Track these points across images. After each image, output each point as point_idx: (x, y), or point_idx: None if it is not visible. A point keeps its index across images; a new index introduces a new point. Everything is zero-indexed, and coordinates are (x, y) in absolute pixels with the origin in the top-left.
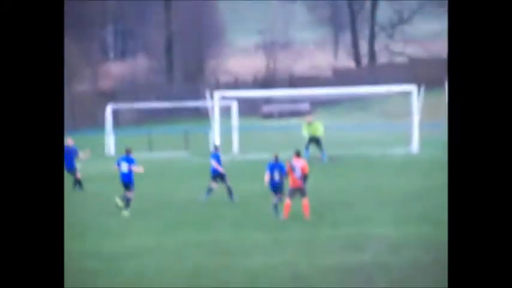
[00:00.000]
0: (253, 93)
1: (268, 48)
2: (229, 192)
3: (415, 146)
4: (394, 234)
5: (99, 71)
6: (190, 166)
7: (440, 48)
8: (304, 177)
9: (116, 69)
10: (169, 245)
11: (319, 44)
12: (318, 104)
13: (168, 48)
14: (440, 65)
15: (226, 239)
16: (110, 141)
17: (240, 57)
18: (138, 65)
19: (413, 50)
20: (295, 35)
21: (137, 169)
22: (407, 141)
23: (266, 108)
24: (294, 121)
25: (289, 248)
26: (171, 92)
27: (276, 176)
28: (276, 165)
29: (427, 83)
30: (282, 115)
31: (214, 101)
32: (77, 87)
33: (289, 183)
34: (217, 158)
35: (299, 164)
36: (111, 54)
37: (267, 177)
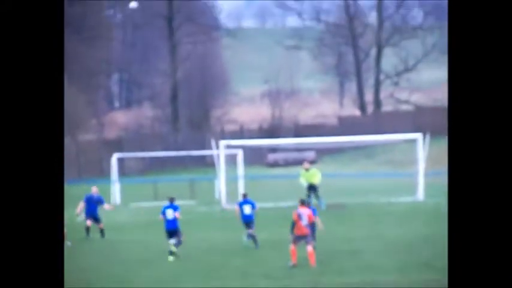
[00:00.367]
0: (259, 142)
1: (274, 96)
2: (254, 238)
3: (420, 194)
4: (400, 282)
5: (104, 120)
6: (196, 215)
7: (446, 96)
8: (311, 225)
9: (121, 119)
10: None
11: (325, 92)
12: (323, 152)
13: (174, 97)
14: (445, 113)
15: None
16: (116, 190)
17: (246, 106)
18: (144, 114)
19: (419, 98)
20: (300, 83)
21: (177, 215)
22: (413, 189)
23: (271, 157)
24: (299, 170)
25: None
26: (176, 141)
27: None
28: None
29: (432, 131)
30: (287, 163)
31: (220, 150)
32: (82, 136)
33: (295, 231)
34: (249, 204)
35: (305, 212)
36: (117, 104)
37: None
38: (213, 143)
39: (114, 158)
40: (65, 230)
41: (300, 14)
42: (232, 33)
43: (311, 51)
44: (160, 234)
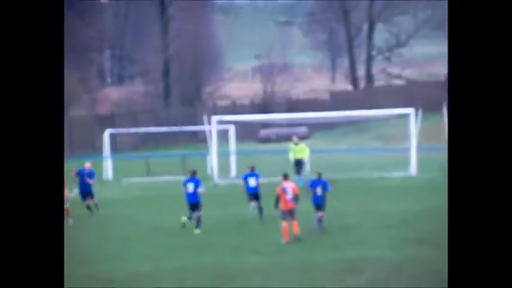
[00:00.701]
0: (251, 117)
1: (266, 72)
2: (261, 211)
3: (413, 169)
4: (393, 257)
5: (96, 96)
6: None
7: (438, 70)
8: (295, 198)
9: (113, 94)
10: (168, 270)
11: (317, 67)
12: (315, 127)
13: (166, 73)
14: (438, 88)
15: (225, 263)
16: (108, 166)
17: (238, 82)
18: (136, 90)
19: (411, 73)
20: (292, 59)
21: (201, 190)
22: (405, 164)
23: (263, 132)
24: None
25: (288, 271)
26: (168, 117)
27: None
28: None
29: (424, 105)
30: (279, 139)
31: (212, 126)
32: (74, 112)
33: (281, 206)
34: (254, 176)
35: (289, 186)
36: (109, 80)
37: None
38: (205, 118)
39: (106, 133)
40: (67, 206)
41: None
42: (224, 8)
43: (302, 26)
44: (153, 210)
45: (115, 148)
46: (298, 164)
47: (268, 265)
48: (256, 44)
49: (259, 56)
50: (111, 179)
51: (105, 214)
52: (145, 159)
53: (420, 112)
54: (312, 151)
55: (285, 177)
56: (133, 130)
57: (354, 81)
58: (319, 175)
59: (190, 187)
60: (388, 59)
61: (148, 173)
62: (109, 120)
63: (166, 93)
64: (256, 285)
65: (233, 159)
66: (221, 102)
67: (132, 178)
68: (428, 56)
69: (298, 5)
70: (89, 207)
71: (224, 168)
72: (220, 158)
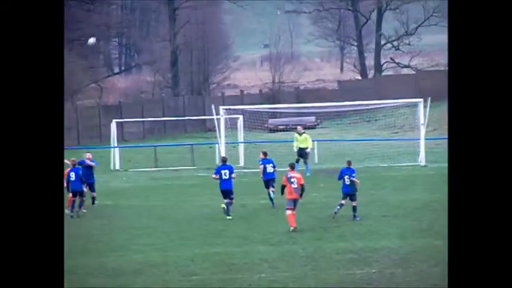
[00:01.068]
0: (259, 107)
1: (274, 61)
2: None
3: (421, 158)
4: (401, 248)
5: (104, 86)
6: (196, 180)
7: (446, 60)
8: (301, 188)
9: (120, 84)
10: (176, 260)
11: (325, 56)
12: (323, 116)
13: (173, 62)
14: (447, 77)
15: (233, 253)
16: (115, 156)
17: (246, 71)
18: (143, 79)
19: (420, 62)
20: (300, 48)
21: (234, 176)
22: (414, 154)
23: (271, 122)
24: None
25: (296, 261)
26: (176, 106)
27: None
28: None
29: (433, 95)
30: (287, 128)
31: (220, 115)
32: (81, 102)
33: (286, 195)
34: (270, 162)
35: (295, 175)
36: (116, 69)
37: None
38: (213, 108)
39: (114, 123)
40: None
41: None
42: None
43: (311, 15)
44: (160, 200)
45: (122, 138)
46: (302, 153)
47: (276, 255)
48: (264, 33)
49: (268, 45)
50: (118, 169)
51: (112, 204)
52: (152, 149)
53: (429, 101)
54: (320, 141)
55: (292, 167)
56: (140, 120)
57: (363, 70)
58: (349, 163)
59: (224, 174)
60: (396, 48)
61: (156, 163)
62: (116, 110)
63: (174, 82)
64: (264, 275)
65: (241, 149)
66: (229, 92)
67: (140, 168)
68: (437, 45)
69: None
70: (93, 199)
71: (232, 157)
72: (229, 147)
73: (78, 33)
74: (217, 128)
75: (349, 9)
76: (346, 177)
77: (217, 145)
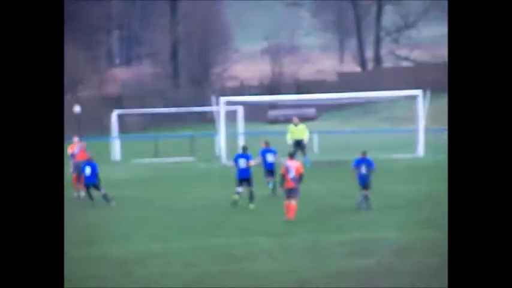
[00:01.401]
0: (259, 98)
1: (274, 53)
2: (274, 188)
3: (420, 150)
4: (400, 239)
5: (105, 77)
6: (196, 171)
7: (446, 52)
8: (300, 177)
9: (121, 75)
10: (176, 251)
11: (325, 48)
12: (323, 108)
13: (174, 54)
14: (446, 69)
15: (233, 244)
16: (116, 147)
17: (246, 63)
18: (144, 71)
19: (419, 55)
20: (300, 40)
21: (252, 163)
22: (413, 145)
23: (271, 113)
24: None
25: (295, 253)
26: (176, 98)
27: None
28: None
29: (432, 87)
30: (287, 120)
31: (220, 107)
32: (82, 93)
33: (284, 185)
34: (271, 152)
35: (293, 165)
36: (117, 60)
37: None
38: (213, 99)
39: (115, 114)
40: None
41: None
42: None
43: (311, 7)
44: (161, 191)
45: (123, 129)
46: (299, 145)
47: (276, 246)
48: (264, 25)
49: (268, 37)
50: (119, 160)
51: (113, 195)
52: (153, 140)
53: (428, 94)
54: (320, 132)
55: (291, 156)
56: (141, 111)
57: (362, 62)
58: (364, 153)
59: (242, 163)
60: (396, 41)
61: (157, 153)
62: (117, 101)
63: (175, 74)
64: (264, 266)
65: (241, 140)
66: (229, 83)
67: (140, 159)
68: (437, 38)
69: None
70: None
71: (232, 149)
72: (229, 138)
73: (79, 25)
74: (217, 120)
75: (348, 2)
76: (363, 167)
77: (217, 136)
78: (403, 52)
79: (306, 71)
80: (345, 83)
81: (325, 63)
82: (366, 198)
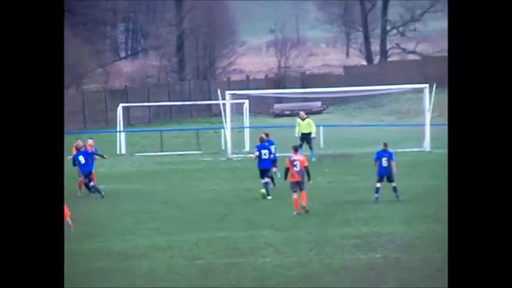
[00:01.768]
0: (265, 91)
1: (280, 46)
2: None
3: (427, 144)
4: (406, 233)
5: (110, 70)
6: (202, 165)
7: None
8: (306, 170)
9: (127, 68)
10: (180, 244)
11: (331, 42)
12: (329, 102)
13: (179, 47)
14: None
15: (238, 238)
16: (121, 140)
17: (252, 56)
18: (150, 64)
19: (425, 48)
20: (306, 33)
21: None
22: (419, 139)
23: (277, 107)
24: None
25: (301, 246)
26: (182, 91)
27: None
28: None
29: (438, 80)
30: (293, 113)
31: (226, 100)
32: (87, 86)
33: (289, 178)
34: (272, 144)
35: (298, 158)
36: (122, 53)
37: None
38: (219, 92)
39: (120, 107)
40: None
41: None
42: None
43: (317, 0)
44: (166, 184)
45: (128, 122)
46: (306, 138)
47: (281, 240)
48: (270, 18)
49: (274, 30)
50: (124, 153)
51: (117, 188)
52: (158, 134)
53: (434, 87)
54: (326, 126)
55: (295, 149)
56: (146, 104)
57: (368, 55)
58: (385, 146)
59: (264, 154)
60: (402, 34)
61: (162, 147)
62: (122, 94)
63: (180, 67)
64: (268, 259)
65: (247, 134)
66: (235, 77)
67: (145, 152)
68: (443, 31)
69: None
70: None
71: (238, 142)
72: (234, 132)
73: (85, 18)
74: (223, 113)
75: None
76: (384, 159)
77: (223, 130)
78: (409, 45)
79: (312, 65)
80: (351, 76)
81: (331, 56)
82: (395, 189)
